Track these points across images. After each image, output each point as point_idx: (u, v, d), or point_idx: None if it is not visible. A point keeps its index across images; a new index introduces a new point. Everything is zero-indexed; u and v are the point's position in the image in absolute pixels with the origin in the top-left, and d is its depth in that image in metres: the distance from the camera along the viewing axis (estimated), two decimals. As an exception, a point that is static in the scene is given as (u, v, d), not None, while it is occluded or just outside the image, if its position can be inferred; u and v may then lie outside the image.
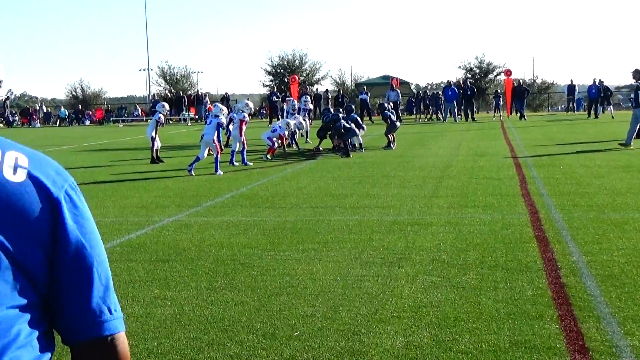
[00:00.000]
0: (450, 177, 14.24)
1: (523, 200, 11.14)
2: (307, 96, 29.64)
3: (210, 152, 16.98)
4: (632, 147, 18.95)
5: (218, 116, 17.05)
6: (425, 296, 6.18)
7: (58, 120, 55.01)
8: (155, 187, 14.33)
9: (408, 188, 12.86)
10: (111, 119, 54.57)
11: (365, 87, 42.12)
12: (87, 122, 53.82)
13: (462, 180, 13.71)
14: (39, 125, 53.02)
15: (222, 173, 16.11)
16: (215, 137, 16.67)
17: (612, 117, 37.49)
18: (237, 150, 18.19)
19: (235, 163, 17.89)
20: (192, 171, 16.06)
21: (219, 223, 9.99)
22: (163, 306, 6.18)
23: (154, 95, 60.06)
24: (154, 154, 19.17)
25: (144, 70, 68.97)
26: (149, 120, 52.50)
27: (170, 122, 45.44)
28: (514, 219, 9.54)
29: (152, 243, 8.76)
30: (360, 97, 41.40)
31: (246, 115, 18.24)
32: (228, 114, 19.11)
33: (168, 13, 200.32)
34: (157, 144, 19.22)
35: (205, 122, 44.42)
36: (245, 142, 18.35)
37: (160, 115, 19.38)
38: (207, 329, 5.57)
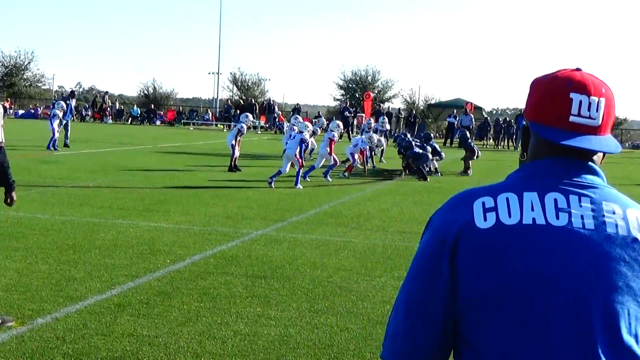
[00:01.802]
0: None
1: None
2: (385, 117, 29.97)
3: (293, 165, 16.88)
4: None
5: (302, 132, 17.12)
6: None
7: (130, 118, 55.64)
8: (238, 196, 14.43)
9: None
10: (182, 120, 55.08)
11: (454, 111, 41.25)
12: (158, 122, 54.54)
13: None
14: (110, 121, 53.53)
15: (302, 187, 16.17)
16: (297, 152, 16.68)
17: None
18: (318, 167, 18.39)
19: (307, 179, 17.60)
20: (272, 183, 16.12)
21: (308, 241, 10.02)
22: (268, 326, 6.18)
23: (227, 100, 60.46)
24: (232, 162, 19.33)
25: (213, 73, 69.46)
26: (219, 125, 52.80)
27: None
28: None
29: (245, 257, 8.81)
30: (448, 120, 40.79)
31: (336, 135, 18.76)
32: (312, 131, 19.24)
33: (241, 19, 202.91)
34: (237, 152, 19.38)
35: (275, 132, 45.11)
36: (336, 158, 18.47)
37: (244, 125, 19.62)
38: (316, 354, 5.56)
